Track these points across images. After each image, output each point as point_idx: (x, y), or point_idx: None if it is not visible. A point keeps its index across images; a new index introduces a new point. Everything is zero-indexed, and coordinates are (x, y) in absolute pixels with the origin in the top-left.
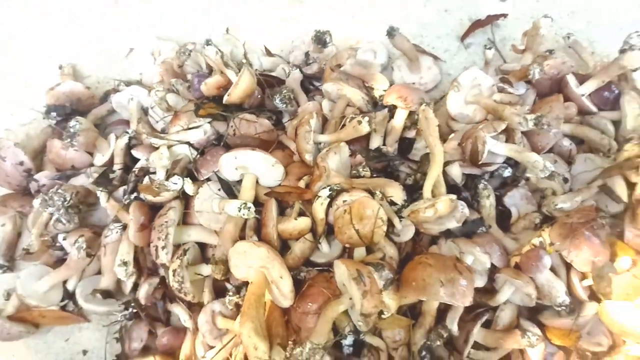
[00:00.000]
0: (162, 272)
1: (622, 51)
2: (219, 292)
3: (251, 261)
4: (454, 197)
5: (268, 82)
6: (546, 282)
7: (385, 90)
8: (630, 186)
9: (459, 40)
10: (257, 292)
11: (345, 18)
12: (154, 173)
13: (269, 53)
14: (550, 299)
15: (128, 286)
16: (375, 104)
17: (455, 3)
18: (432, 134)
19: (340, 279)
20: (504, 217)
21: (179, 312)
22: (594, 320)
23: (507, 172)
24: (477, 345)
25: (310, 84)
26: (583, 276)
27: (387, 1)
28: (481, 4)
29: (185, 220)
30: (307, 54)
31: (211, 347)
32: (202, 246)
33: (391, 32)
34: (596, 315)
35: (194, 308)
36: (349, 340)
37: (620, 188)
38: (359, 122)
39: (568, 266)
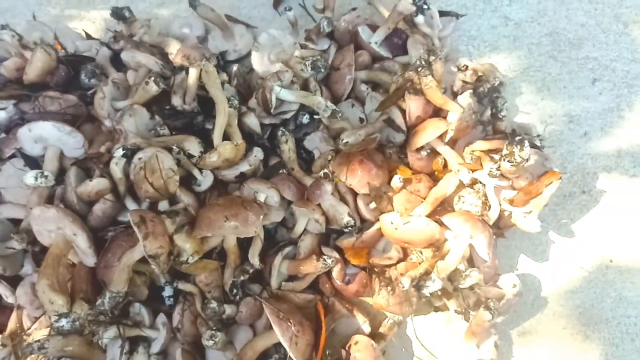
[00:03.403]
0: None
1: None
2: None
3: (48, 225)
4: (240, 142)
5: (77, 62)
6: (331, 208)
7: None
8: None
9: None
10: (54, 252)
11: None
12: None
13: (88, 36)
14: (337, 222)
15: None
16: (174, 68)
17: None
18: (213, 85)
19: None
20: (312, 161)
21: None
22: (384, 237)
23: (305, 119)
24: (290, 278)
25: None
26: (369, 200)
27: None
28: None
29: None
30: (115, 31)
31: (37, 319)
32: (20, 223)
33: (192, 3)
34: (378, 232)
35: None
36: (168, 292)
37: (398, 118)
38: (147, 83)
39: (355, 192)
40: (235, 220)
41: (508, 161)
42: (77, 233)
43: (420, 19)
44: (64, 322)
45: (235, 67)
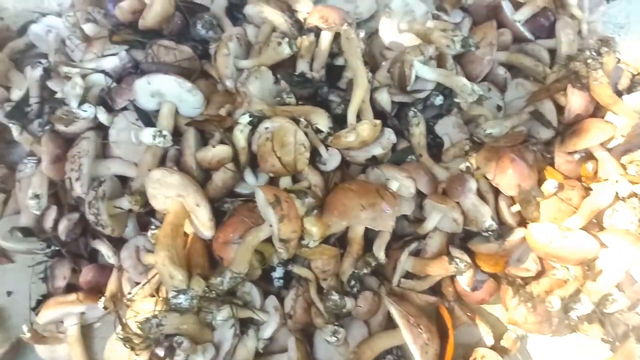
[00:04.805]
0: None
1: None
2: (145, 227)
3: (167, 190)
4: (378, 122)
5: (191, 10)
6: (472, 207)
7: (308, 13)
8: (561, 110)
9: None
10: (173, 221)
11: None
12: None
13: None
14: (477, 224)
15: (48, 223)
16: (302, 29)
17: None
18: (354, 54)
19: (261, 206)
20: (438, 148)
21: (102, 248)
22: (525, 246)
23: (439, 100)
24: (409, 275)
25: (239, 12)
26: (512, 202)
27: None
28: None
29: (106, 153)
30: None
31: (137, 283)
32: (125, 180)
33: None
34: (523, 241)
35: (121, 245)
36: (278, 273)
37: (550, 113)
38: (279, 44)
39: (496, 192)
40: (372, 210)
41: None
42: (201, 204)
43: None
44: (182, 299)
45: (362, 34)
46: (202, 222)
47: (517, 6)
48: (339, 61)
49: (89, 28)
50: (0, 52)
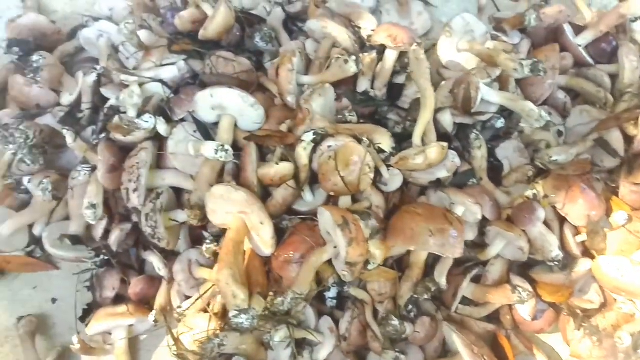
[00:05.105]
0: (135, 218)
1: None
2: (196, 240)
3: (229, 206)
4: (445, 144)
5: (248, 21)
6: (539, 236)
7: (373, 30)
8: (628, 140)
9: None
10: (235, 238)
11: None
12: (125, 112)
13: None
14: (543, 254)
15: (98, 232)
16: (363, 45)
17: None
18: (423, 75)
19: (325, 227)
20: (495, 171)
21: (153, 260)
22: (586, 277)
23: (500, 123)
24: (465, 301)
25: (294, 25)
26: (577, 231)
27: None
28: None
29: (159, 163)
30: None
31: (187, 297)
32: (178, 192)
33: None
34: (588, 272)
35: (170, 257)
36: (332, 293)
37: (617, 141)
38: (345, 62)
39: (562, 221)
40: (441, 237)
41: None
42: (265, 221)
43: (638, 25)
44: (243, 319)
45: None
46: (264, 240)
47: (576, 30)
48: (399, 79)
49: (143, 35)
50: (52, 56)
